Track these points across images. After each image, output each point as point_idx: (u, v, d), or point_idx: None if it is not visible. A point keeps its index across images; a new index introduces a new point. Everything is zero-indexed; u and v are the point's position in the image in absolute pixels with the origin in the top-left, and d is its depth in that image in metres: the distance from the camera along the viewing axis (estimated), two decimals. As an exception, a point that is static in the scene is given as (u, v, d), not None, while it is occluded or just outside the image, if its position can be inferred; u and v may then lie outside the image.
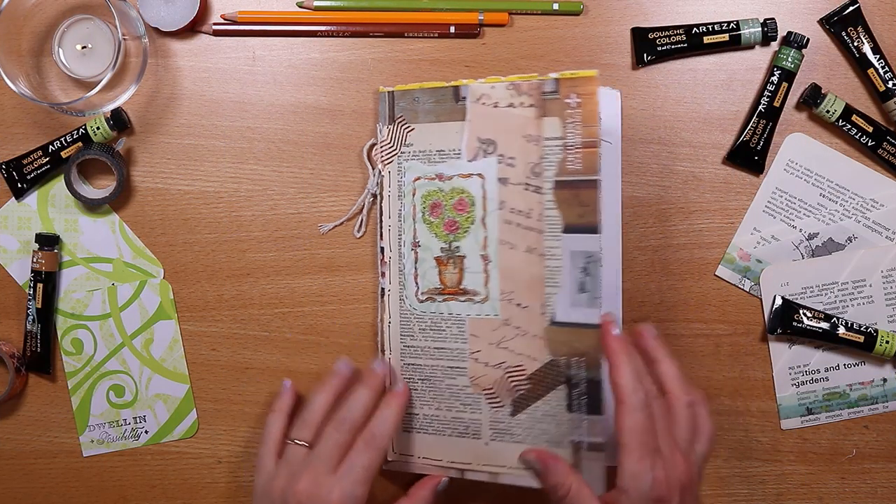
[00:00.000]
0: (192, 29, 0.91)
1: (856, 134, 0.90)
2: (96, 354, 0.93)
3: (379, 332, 0.90)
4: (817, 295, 0.92)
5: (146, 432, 0.93)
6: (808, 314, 0.91)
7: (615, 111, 0.91)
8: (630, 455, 0.75)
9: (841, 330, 0.90)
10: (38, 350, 0.91)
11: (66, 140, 0.90)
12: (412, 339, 0.89)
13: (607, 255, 0.90)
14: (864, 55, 0.90)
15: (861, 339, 0.90)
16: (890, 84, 0.90)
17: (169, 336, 0.92)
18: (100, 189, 0.92)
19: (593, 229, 0.82)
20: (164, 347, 0.92)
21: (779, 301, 0.91)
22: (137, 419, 0.93)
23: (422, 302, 0.88)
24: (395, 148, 0.89)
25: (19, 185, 0.91)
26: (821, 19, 0.92)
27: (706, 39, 0.91)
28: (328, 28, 0.91)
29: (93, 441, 0.93)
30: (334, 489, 0.79)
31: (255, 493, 0.84)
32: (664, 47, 0.91)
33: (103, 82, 0.85)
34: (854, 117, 0.90)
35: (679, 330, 0.93)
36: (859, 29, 0.90)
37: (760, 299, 0.93)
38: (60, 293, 0.92)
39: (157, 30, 0.90)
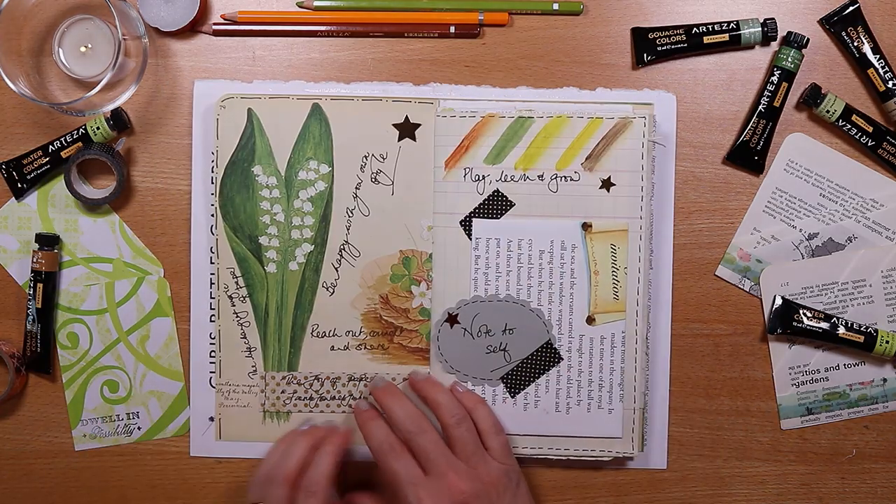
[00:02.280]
0: (192, 29, 0.91)
1: (856, 134, 0.90)
2: (91, 349, 0.93)
3: None
4: (817, 295, 0.92)
5: (139, 429, 0.93)
6: (808, 314, 0.91)
7: (671, 115, 0.91)
8: (399, 499, 0.82)
9: (841, 330, 0.90)
10: (38, 350, 0.91)
11: (66, 140, 0.90)
12: None
13: (658, 257, 0.91)
14: (864, 55, 0.90)
15: (861, 339, 0.90)
16: (890, 84, 0.90)
17: (165, 333, 0.92)
18: (100, 189, 0.92)
19: None
20: (160, 345, 0.92)
21: (779, 301, 0.91)
22: (130, 415, 0.93)
23: None
24: None
25: (19, 185, 0.91)
26: (821, 19, 0.92)
27: (706, 39, 0.90)
28: (328, 28, 0.91)
29: (85, 435, 0.93)
30: None
31: None
32: (664, 47, 0.91)
33: (103, 82, 0.85)
34: (854, 117, 0.90)
35: (679, 330, 0.93)
36: (859, 29, 0.90)
37: (760, 299, 0.92)
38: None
39: (157, 30, 0.90)
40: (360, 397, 0.91)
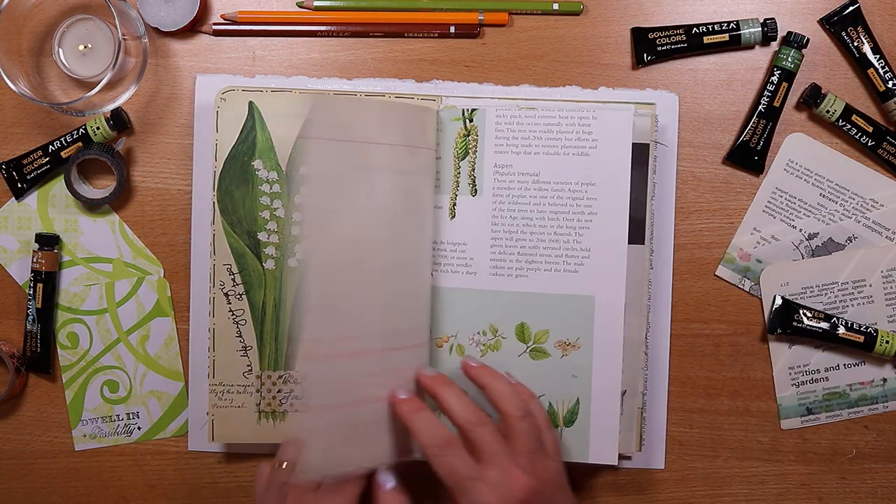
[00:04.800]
0: (192, 29, 0.91)
1: (856, 134, 0.90)
2: (91, 349, 0.93)
3: None
4: (817, 295, 0.92)
5: (139, 429, 0.93)
6: (808, 314, 0.91)
7: (673, 115, 0.91)
8: (457, 496, 0.75)
9: (841, 330, 0.90)
10: (38, 350, 0.92)
11: (66, 140, 0.90)
12: None
13: (658, 257, 0.92)
14: (864, 55, 0.90)
15: (861, 339, 0.90)
16: (890, 84, 0.90)
17: (165, 333, 0.93)
18: (100, 189, 0.93)
19: None
20: (160, 345, 0.93)
21: (779, 301, 0.91)
22: (130, 415, 0.93)
23: None
24: None
25: (19, 185, 0.91)
26: (821, 19, 0.92)
27: (706, 39, 0.90)
28: (328, 28, 0.91)
29: (85, 435, 0.93)
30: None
31: None
32: (664, 47, 0.91)
33: (103, 82, 0.85)
34: (854, 117, 0.90)
35: (679, 330, 0.92)
36: (859, 29, 0.90)
37: (760, 299, 0.92)
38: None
39: (157, 30, 0.90)
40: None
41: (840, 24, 0.91)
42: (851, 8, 0.90)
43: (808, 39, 0.89)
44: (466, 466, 0.76)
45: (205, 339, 0.91)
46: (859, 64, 0.91)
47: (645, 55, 0.91)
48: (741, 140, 0.91)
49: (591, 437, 0.88)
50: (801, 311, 0.91)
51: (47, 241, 0.91)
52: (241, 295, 0.90)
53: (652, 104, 0.90)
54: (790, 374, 0.92)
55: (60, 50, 0.90)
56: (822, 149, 0.92)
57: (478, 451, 0.77)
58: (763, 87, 0.91)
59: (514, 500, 0.75)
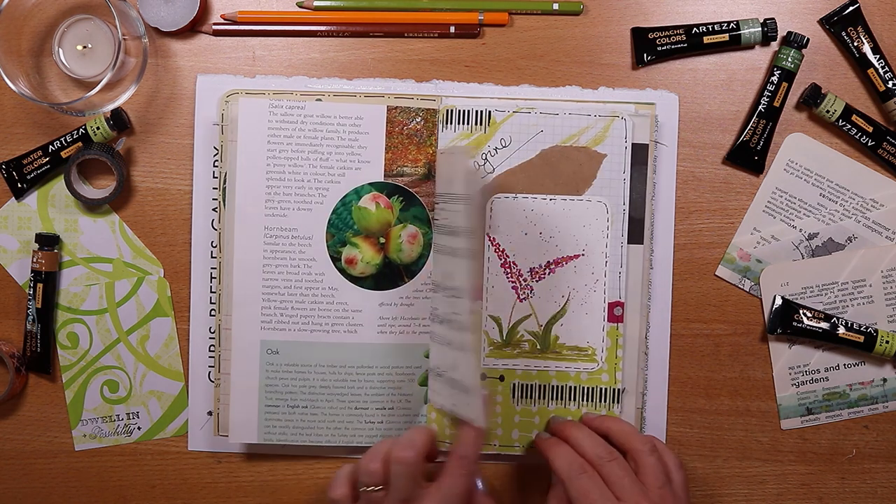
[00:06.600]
0: (192, 29, 0.91)
1: (856, 134, 0.90)
2: (91, 349, 0.93)
3: None
4: (817, 295, 0.92)
5: (139, 429, 0.93)
6: (808, 314, 0.91)
7: (673, 114, 0.91)
8: None
9: (841, 330, 0.90)
10: (38, 350, 0.91)
11: (66, 140, 0.90)
12: None
13: (658, 257, 0.91)
14: (864, 55, 0.90)
15: (861, 339, 0.90)
16: (890, 84, 0.90)
17: (165, 333, 0.93)
18: (100, 189, 0.93)
19: None
20: (160, 345, 0.92)
21: (779, 301, 0.91)
22: (130, 415, 0.93)
23: None
24: None
25: (19, 185, 0.91)
26: (821, 19, 0.92)
27: (706, 39, 0.90)
28: (328, 28, 0.91)
29: (85, 435, 0.93)
30: None
31: None
32: (664, 47, 0.91)
33: (103, 82, 0.85)
34: (854, 117, 0.90)
35: (679, 330, 0.93)
36: (859, 29, 0.90)
37: (760, 299, 0.92)
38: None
39: (157, 30, 0.90)
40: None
41: (840, 24, 0.91)
42: (851, 8, 0.91)
43: (808, 39, 0.89)
44: (601, 493, 0.79)
45: (205, 339, 0.92)
46: (859, 64, 0.91)
47: (645, 55, 0.91)
48: (741, 140, 0.91)
49: None
50: (801, 311, 0.91)
51: (47, 241, 0.91)
52: None
53: (652, 104, 0.90)
54: (790, 374, 0.92)
55: (60, 50, 0.90)
56: (822, 149, 0.92)
57: (610, 485, 0.80)
58: (763, 87, 0.91)
59: None
